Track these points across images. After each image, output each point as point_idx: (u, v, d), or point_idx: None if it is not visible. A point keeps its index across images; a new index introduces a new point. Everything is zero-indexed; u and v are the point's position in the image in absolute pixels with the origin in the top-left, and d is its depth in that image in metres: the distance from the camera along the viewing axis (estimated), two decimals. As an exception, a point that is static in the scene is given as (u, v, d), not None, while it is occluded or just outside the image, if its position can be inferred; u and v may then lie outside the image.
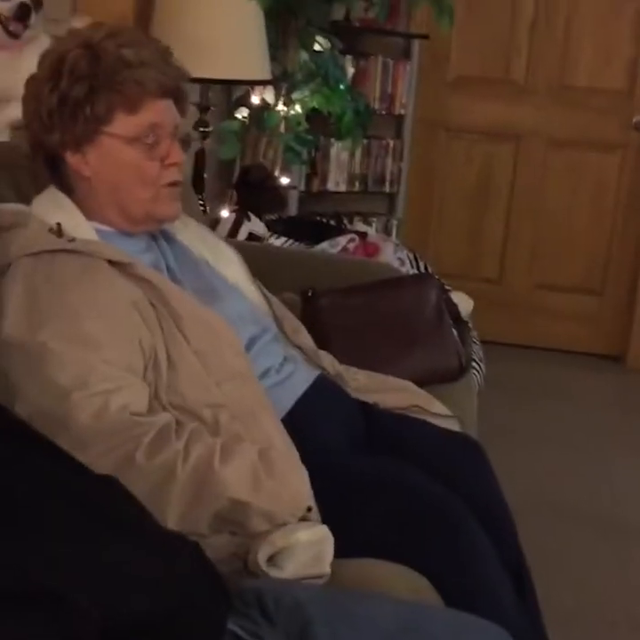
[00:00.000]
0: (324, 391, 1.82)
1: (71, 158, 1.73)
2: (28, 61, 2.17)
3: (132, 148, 1.72)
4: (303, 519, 1.48)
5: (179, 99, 1.80)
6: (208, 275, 1.87)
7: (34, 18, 2.16)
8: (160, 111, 1.74)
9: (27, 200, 1.80)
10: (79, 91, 1.68)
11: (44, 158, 1.78)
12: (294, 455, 1.57)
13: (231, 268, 1.95)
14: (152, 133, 1.72)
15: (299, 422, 1.70)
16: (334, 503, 1.52)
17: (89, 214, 1.74)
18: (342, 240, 3.47)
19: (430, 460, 1.73)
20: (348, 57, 4.26)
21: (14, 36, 2.15)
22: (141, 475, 1.40)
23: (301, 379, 1.81)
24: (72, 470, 1.23)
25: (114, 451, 1.46)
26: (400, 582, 1.50)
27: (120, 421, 1.49)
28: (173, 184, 1.77)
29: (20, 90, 2.13)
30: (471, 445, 1.87)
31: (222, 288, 1.86)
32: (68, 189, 1.77)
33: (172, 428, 1.51)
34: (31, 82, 1.77)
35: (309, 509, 1.48)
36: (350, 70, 4.17)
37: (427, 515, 1.55)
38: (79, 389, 1.49)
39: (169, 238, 1.88)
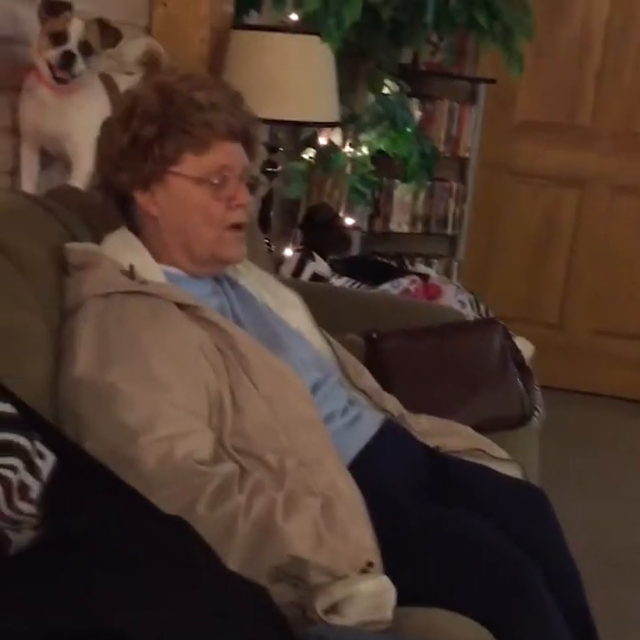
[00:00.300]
0: (390, 437, 1.81)
1: (140, 198, 1.76)
2: (77, 106, 2.24)
3: (200, 188, 1.75)
4: (364, 572, 1.47)
5: (248, 142, 1.83)
6: (271, 320, 1.88)
7: (82, 63, 2.19)
8: (228, 153, 1.77)
9: (100, 241, 1.84)
10: (149, 131, 1.72)
11: (114, 198, 1.82)
12: (359, 505, 1.56)
13: (293, 313, 1.96)
14: (219, 175, 1.75)
15: (365, 468, 1.69)
16: (398, 550, 1.51)
17: (156, 255, 1.77)
18: (404, 281, 3.47)
19: (497, 510, 1.71)
20: (415, 100, 4.29)
21: (62, 81, 2.19)
22: (202, 525, 1.38)
23: (367, 424, 1.81)
24: (141, 511, 1.24)
25: (176, 499, 1.46)
26: (462, 633, 1.49)
27: (184, 469, 1.49)
28: (238, 226, 1.80)
29: (69, 133, 2.20)
30: (538, 496, 1.85)
31: (285, 334, 1.87)
32: (136, 229, 1.80)
33: (235, 480, 1.51)
34: (105, 124, 1.82)
35: (371, 564, 1.47)
36: (417, 113, 4.19)
37: (493, 569, 1.53)
38: (146, 433, 1.51)
39: (233, 283, 1.90)
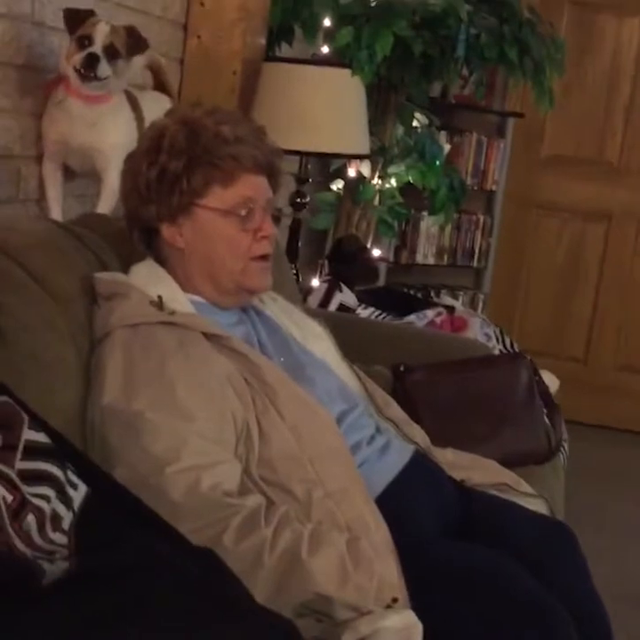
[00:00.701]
0: (421, 469, 1.81)
1: (166, 230, 1.78)
2: (107, 117, 2.26)
3: (226, 220, 1.76)
4: (389, 607, 1.46)
5: (272, 175, 1.85)
6: (296, 350, 1.88)
7: (107, 66, 2.21)
8: (254, 186, 1.78)
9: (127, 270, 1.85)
10: (177, 165, 1.73)
11: (139, 231, 1.83)
12: (385, 539, 1.55)
13: (319, 343, 1.96)
14: (246, 207, 1.76)
15: (394, 500, 1.69)
16: (424, 588, 1.50)
17: (181, 285, 1.78)
18: (430, 313, 3.47)
19: (523, 546, 1.70)
20: (443, 132, 4.31)
21: (87, 79, 2.20)
22: (228, 558, 1.35)
23: (397, 455, 1.80)
24: (172, 543, 1.24)
25: (203, 530, 1.46)
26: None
27: (211, 500, 1.49)
28: (264, 257, 1.81)
29: (99, 146, 2.21)
30: (565, 532, 1.84)
31: (310, 364, 1.87)
32: (160, 260, 1.81)
33: (262, 512, 1.51)
34: (130, 158, 1.83)
35: (396, 600, 1.46)
36: (445, 146, 4.21)
37: (520, 610, 1.52)
38: (172, 463, 1.51)
39: (259, 312, 1.91)
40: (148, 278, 1.78)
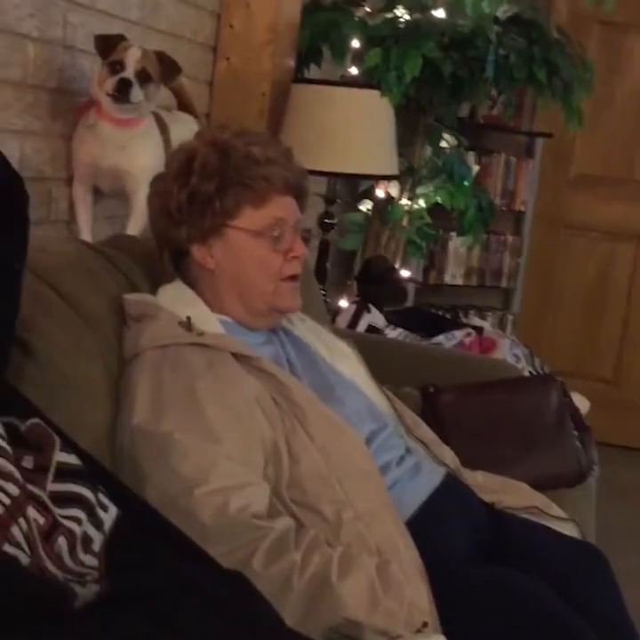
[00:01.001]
0: (451, 493, 1.80)
1: (197, 252, 1.78)
2: (138, 140, 2.28)
3: (258, 241, 1.76)
4: (419, 631, 1.45)
5: (300, 196, 1.85)
6: (325, 370, 1.88)
7: (139, 91, 2.23)
8: (284, 206, 1.79)
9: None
10: (209, 186, 1.74)
11: (169, 252, 1.83)
12: (415, 563, 1.54)
13: (347, 363, 1.96)
14: (277, 227, 1.77)
15: (424, 524, 1.68)
16: (455, 612, 1.49)
17: (210, 306, 1.78)
18: (458, 334, 3.46)
19: (555, 572, 1.68)
20: (472, 153, 4.30)
21: (119, 100, 2.22)
22: (257, 581, 1.34)
23: (429, 477, 1.79)
24: (202, 565, 1.24)
25: (232, 553, 1.45)
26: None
27: (239, 523, 1.48)
28: (294, 277, 1.81)
29: (130, 169, 2.24)
30: (597, 556, 1.82)
31: (339, 384, 1.86)
32: (189, 281, 1.81)
33: (291, 536, 1.50)
34: (158, 181, 1.84)
35: (426, 624, 1.45)
36: (474, 167, 4.20)
37: (550, 633, 1.50)
38: (201, 485, 1.50)
39: (288, 332, 1.91)
40: (177, 299, 1.78)
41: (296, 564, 1.46)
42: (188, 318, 1.71)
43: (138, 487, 1.52)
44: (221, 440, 1.55)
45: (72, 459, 1.20)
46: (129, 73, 2.22)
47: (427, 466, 1.84)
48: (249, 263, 1.77)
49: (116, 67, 2.22)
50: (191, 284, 1.81)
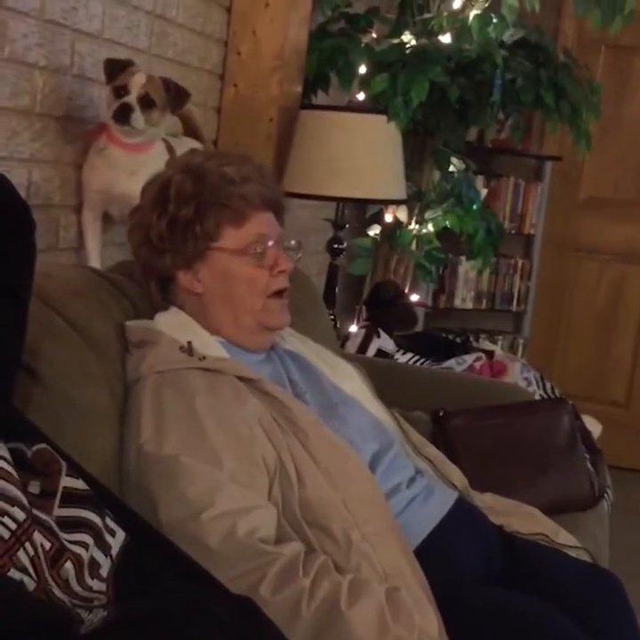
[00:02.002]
0: (463, 516, 1.78)
1: (183, 277, 1.78)
2: (148, 166, 2.25)
3: (242, 259, 1.76)
4: None
5: (278, 211, 1.86)
6: (328, 388, 1.87)
7: (140, 116, 2.25)
8: (264, 222, 1.79)
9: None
10: (188, 211, 1.74)
11: (155, 281, 1.83)
12: (423, 589, 1.52)
13: (349, 382, 1.95)
14: (259, 243, 1.77)
15: (437, 547, 1.67)
16: (466, 637, 1.48)
17: (206, 330, 1.78)
18: (469, 358, 3.45)
19: (568, 596, 1.67)
20: (480, 177, 4.31)
21: (121, 122, 2.24)
22: (265, 608, 1.33)
23: (440, 502, 1.77)
24: (210, 591, 1.23)
25: (240, 579, 1.43)
26: None
27: (247, 548, 1.47)
28: (281, 293, 1.81)
29: (135, 192, 2.25)
30: (612, 582, 1.79)
31: (342, 402, 1.85)
32: (178, 307, 1.81)
33: (300, 561, 1.48)
34: (135, 213, 1.84)
35: None
36: (482, 190, 4.21)
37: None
38: (207, 509, 1.49)
39: (288, 350, 1.90)
40: (176, 325, 1.77)
41: (305, 590, 1.44)
42: (189, 343, 1.71)
43: (145, 511, 1.51)
44: (224, 462, 1.54)
45: (79, 483, 1.20)
46: (131, 98, 2.24)
47: (439, 488, 1.82)
48: (236, 282, 1.77)
49: (121, 91, 2.25)
50: (180, 309, 1.81)
